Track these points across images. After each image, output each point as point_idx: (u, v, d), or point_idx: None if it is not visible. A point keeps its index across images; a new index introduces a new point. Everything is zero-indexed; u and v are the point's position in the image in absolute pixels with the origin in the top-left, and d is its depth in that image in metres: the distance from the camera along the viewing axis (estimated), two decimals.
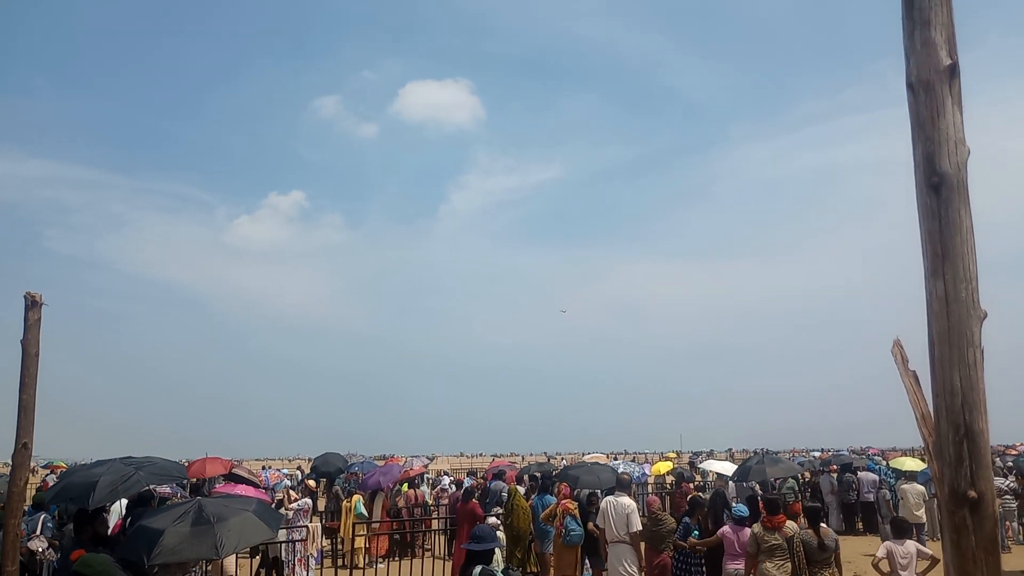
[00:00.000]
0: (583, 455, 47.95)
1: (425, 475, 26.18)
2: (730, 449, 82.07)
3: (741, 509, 10.43)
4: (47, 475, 31.44)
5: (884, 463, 26.54)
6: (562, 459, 61.28)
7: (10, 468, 8.57)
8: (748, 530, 9.82)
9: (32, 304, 8.47)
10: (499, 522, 12.65)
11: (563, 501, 13.14)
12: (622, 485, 12.73)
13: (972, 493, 2.76)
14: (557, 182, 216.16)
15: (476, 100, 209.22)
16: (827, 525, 10.77)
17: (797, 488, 21.30)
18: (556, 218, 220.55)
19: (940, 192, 2.95)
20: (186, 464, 21.29)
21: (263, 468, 34.10)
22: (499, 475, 20.18)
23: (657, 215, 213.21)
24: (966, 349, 2.85)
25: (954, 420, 2.83)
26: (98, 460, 11.91)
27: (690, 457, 52.85)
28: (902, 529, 10.08)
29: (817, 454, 45.71)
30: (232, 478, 16.00)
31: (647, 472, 28.70)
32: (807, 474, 26.73)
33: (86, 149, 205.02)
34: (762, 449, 63.22)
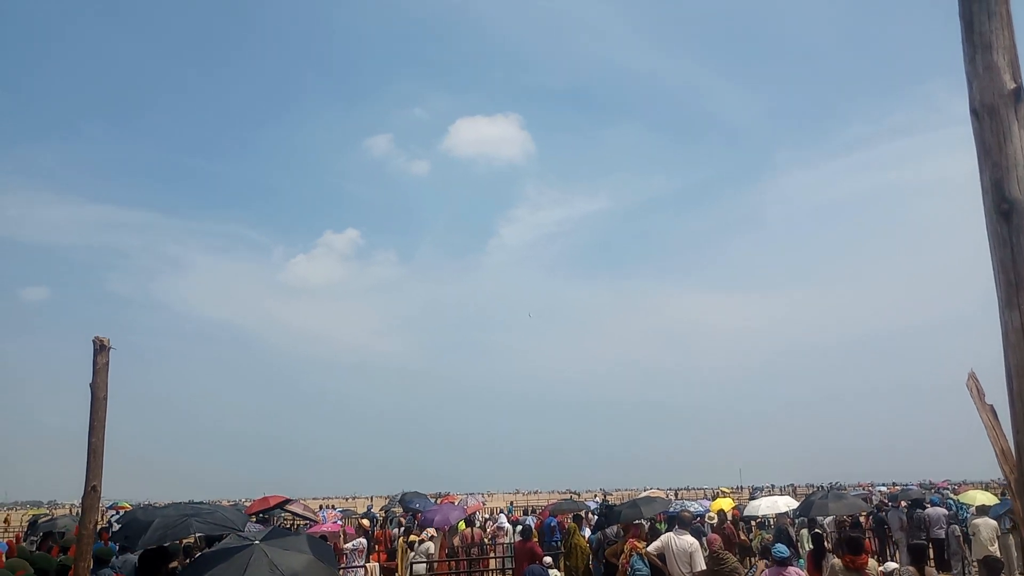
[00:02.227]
0: (641, 491, 47.22)
1: (478, 513, 26.07)
2: (792, 484, 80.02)
3: (781, 550, 9.98)
4: (112, 516, 32.11)
5: (954, 497, 25.57)
6: (606, 495, 60.36)
7: (80, 511, 8.75)
8: (792, 569, 9.50)
9: (100, 348, 8.69)
10: (552, 562, 12.49)
11: (631, 539, 12.93)
12: (683, 523, 12.49)
13: None
14: (604, 213, 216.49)
15: (526, 135, 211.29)
16: (898, 563, 10.39)
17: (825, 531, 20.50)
18: (604, 249, 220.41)
19: (1011, 219, 2.85)
20: (246, 503, 21.61)
21: (320, 507, 34.29)
22: (555, 513, 20.00)
23: (705, 244, 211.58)
24: None
25: None
26: (172, 503, 12.18)
27: (751, 492, 51.62)
28: (995, 570, 9.58)
29: (883, 488, 44.29)
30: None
31: (707, 508, 28.10)
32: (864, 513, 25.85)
33: (142, 192, 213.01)
34: (828, 484, 61.50)
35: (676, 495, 56.88)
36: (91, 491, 8.44)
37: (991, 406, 3.07)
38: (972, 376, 3.13)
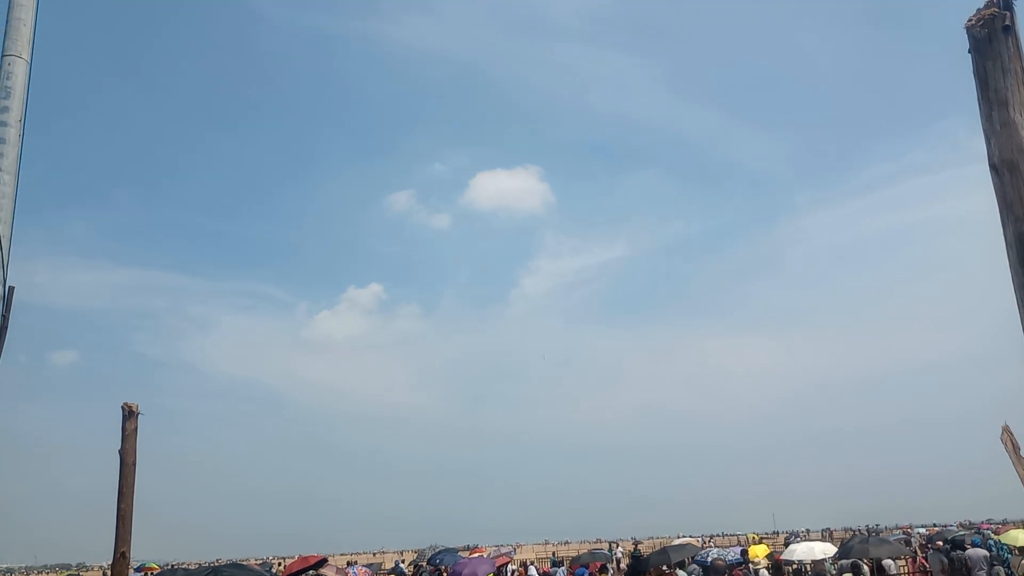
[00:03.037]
0: (674, 539, 46.38)
1: (508, 565, 25.72)
2: (828, 528, 78.17)
3: None
4: None
5: (995, 538, 24.89)
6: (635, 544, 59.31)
7: None
8: None
9: (129, 414, 8.78)
10: None
11: None
12: (718, 572, 12.28)
13: None
14: (623, 260, 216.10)
15: (545, 186, 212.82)
16: None
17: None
18: (624, 295, 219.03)
19: None
20: (273, 560, 21.47)
21: (348, 564, 33.96)
22: (585, 565, 19.71)
23: (726, 287, 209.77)
24: None
25: None
26: (200, 566, 12.14)
27: (786, 538, 50.55)
28: None
29: (922, 531, 43.24)
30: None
31: (738, 555, 27.52)
32: (916, 550, 25.24)
33: (167, 255, 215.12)
34: (867, 527, 60.11)
35: (710, 540, 55.84)
36: (120, 557, 8.45)
37: None
38: (1006, 430, 3.10)
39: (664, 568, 14.30)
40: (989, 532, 33.81)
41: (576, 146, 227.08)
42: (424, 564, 27.09)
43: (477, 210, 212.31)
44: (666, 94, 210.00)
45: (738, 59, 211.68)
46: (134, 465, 8.81)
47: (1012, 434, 3.09)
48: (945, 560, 20.21)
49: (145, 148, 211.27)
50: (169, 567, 26.43)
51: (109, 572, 8.91)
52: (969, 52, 3.18)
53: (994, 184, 3.04)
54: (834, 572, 18.89)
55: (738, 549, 30.31)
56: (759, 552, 28.44)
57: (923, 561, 22.41)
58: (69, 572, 71.61)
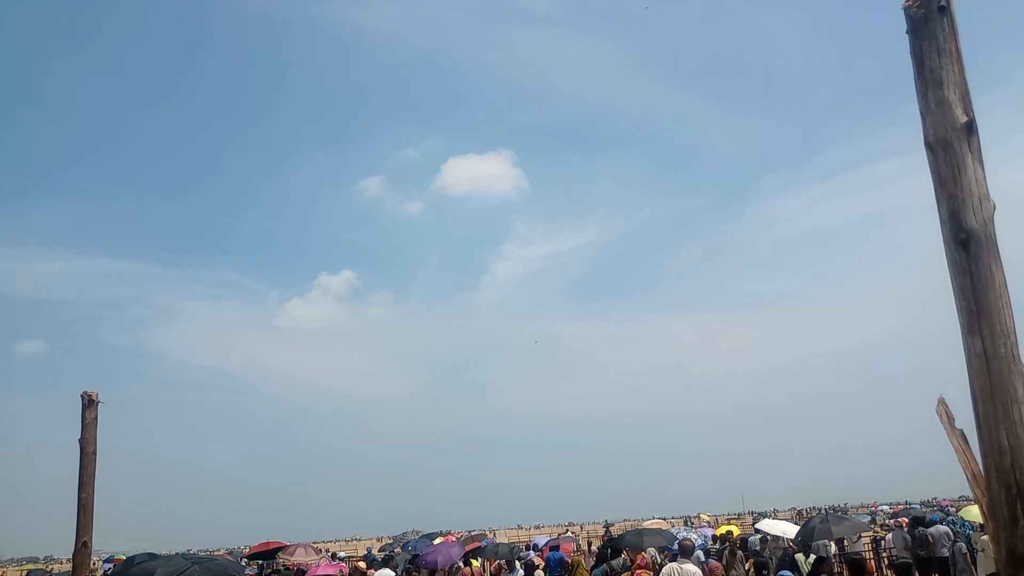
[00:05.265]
0: (642, 522, 46.84)
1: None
2: (794, 507, 79.52)
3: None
4: (105, 568, 31.72)
5: (956, 515, 25.45)
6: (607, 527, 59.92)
7: (72, 567, 8.69)
8: None
9: (89, 403, 8.71)
10: None
11: (638, 571, 12.87)
12: (685, 552, 12.41)
13: None
14: (594, 245, 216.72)
15: (519, 171, 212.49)
16: None
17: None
18: (595, 281, 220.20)
19: (968, 248, 2.94)
20: (246, 549, 21.53)
21: (319, 551, 33.89)
22: (556, 547, 19.85)
23: (695, 272, 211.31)
24: (1010, 406, 2.79)
25: (1005, 480, 2.76)
26: (151, 554, 12.07)
27: (753, 518, 51.28)
28: None
29: (886, 508, 44.11)
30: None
31: (708, 535, 27.91)
32: (877, 529, 25.75)
33: (133, 243, 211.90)
34: (827, 507, 61.13)
35: (686, 522, 56.51)
36: (82, 547, 8.40)
37: (961, 431, 3.14)
38: (941, 402, 3.19)
39: (644, 553, 14.45)
40: (950, 508, 34.60)
41: (547, 131, 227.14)
42: (398, 550, 27.11)
43: (450, 195, 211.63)
44: (634, 78, 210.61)
45: (705, 44, 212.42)
46: (95, 454, 8.74)
47: (947, 406, 3.18)
48: (907, 537, 20.61)
49: (108, 134, 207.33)
50: (138, 555, 26.17)
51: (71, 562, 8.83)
52: (907, 32, 3.25)
53: (929, 162, 3.12)
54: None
55: (708, 531, 30.77)
56: (729, 530, 28.88)
57: (883, 536, 22.88)
58: (36, 565, 70.74)
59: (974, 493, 2.97)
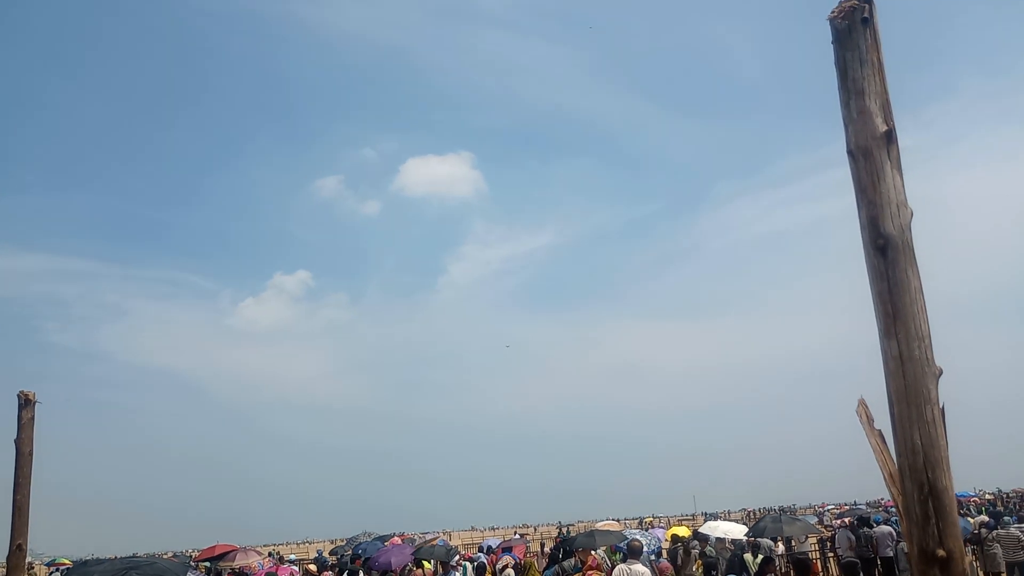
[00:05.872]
0: (596, 523, 47.15)
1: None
2: (744, 508, 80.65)
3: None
4: (51, 573, 31.00)
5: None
6: (566, 528, 60.20)
7: (5, 570, 8.49)
8: None
9: (25, 403, 8.50)
10: None
11: (588, 571, 12.95)
12: (634, 552, 12.52)
13: (941, 552, 2.77)
14: (550, 248, 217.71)
15: (478, 173, 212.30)
16: None
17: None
18: (551, 284, 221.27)
19: (886, 254, 3.03)
20: (196, 553, 21.22)
21: (269, 555, 33.51)
22: (509, 548, 19.88)
23: (649, 276, 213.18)
24: (924, 407, 2.88)
25: (918, 479, 2.85)
26: (97, 559, 11.87)
27: (705, 519, 51.93)
28: None
29: (832, 507, 44.97)
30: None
31: (660, 537, 28.15)
32: (824, 530, 26.25)
33: (80, 241, 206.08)
34: (777, 508, 62.14)
35: (640, 524, 56.95)
36: (16, 550, 8.21)
37: (879, 431, 3.22)
38: (862, 403, 3.27)
39: (595, 554, 14.54)
40: (894, 509, 35.46)
41: (505, 133, 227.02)
42: (348, 552, 26.90)
43: (408, 196, 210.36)
44: (592, 84, 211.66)
45: (660, 50, 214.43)
46: (31, 455, 8.56)
47: (867, 407, 3.26)
48: (852, 537, 21.06)
49: (53, 128, 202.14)
50: (82, 562, 25.62)
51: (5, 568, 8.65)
52: (832, 43, 3.33)
53: (851, 169, 3.20)
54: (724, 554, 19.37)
55: (660, 532, 31.02)
56: (680, 533, 29.17)
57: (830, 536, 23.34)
58: None
59: (891, 492, 3.06)
